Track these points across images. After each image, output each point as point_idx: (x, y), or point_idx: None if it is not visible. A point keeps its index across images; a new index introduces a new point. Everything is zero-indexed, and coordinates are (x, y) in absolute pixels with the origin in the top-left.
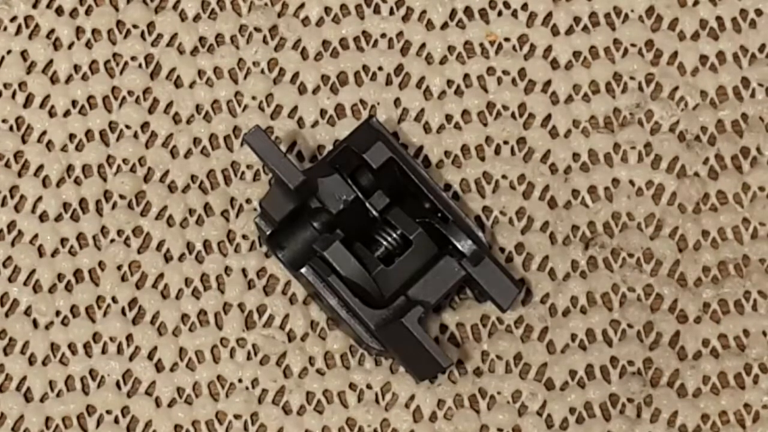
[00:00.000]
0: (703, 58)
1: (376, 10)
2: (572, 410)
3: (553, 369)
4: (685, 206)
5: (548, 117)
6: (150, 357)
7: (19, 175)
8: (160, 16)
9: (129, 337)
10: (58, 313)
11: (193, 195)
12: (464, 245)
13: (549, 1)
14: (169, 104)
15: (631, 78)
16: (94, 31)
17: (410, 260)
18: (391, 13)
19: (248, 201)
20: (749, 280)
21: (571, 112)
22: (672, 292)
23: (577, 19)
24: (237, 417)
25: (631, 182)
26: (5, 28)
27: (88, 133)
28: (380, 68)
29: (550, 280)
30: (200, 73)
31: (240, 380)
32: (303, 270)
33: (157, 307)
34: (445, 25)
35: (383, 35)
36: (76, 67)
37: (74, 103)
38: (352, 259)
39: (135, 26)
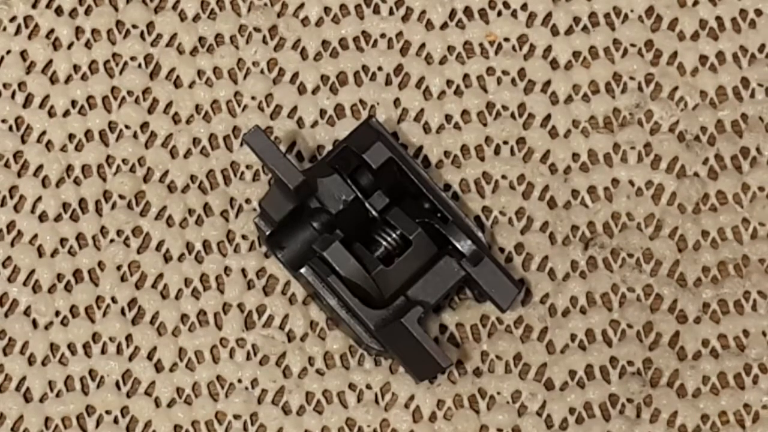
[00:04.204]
0: (703, 58)
1: (376, 10)
2: (572, 410)
3: (553, 369)
4: (684, 206)
5: (548, 117)
6: (149, 357)
7: (19, 175)
8: (160, 16)
9: (128, 338)
10: (57, 314)
11: (193, 195)
12: (464, 245)
13: (549, 1)
14: (169, 104)
15: (631, 78)
16: (93, 31)
17: (410, 260)
18: (391, 13)
19: (248, 201)
20: (749, 280)
21: (570, 112)
22: (672, 293)
23: (576, 19)
24: (236, 417)
25: (631, 182)
26: (5, 28)
27: (88, 133)
28: (380, 68)
29: (549, 280)
30: (200, 73)
31: (239, 380)
32: (302, 270)
33: (157, 307)
34: (444, 26)
35: (383, 35)
36: (76, 67)
37: (74, 103)
38: (352, 259)
39: (134, 26)
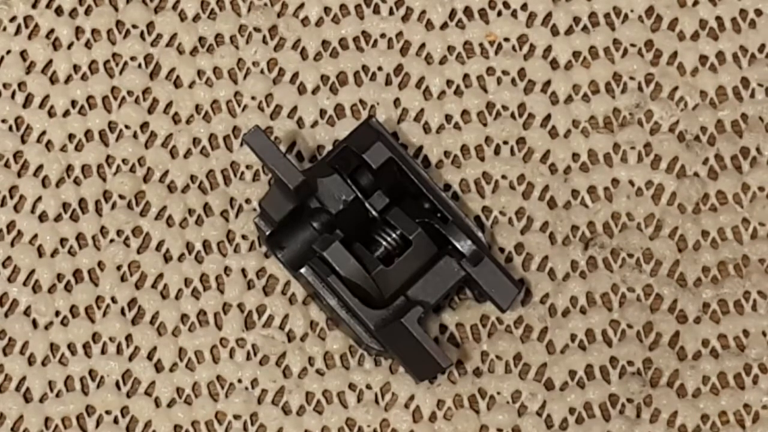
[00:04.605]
0: (703, 58)
1: (376, 10)
2: (572, 410)
3: (553, 369)
4: (684, 206)
5: (548, 117)
6: (149, 357)
7: (19, 175)
8: (160, 16)
9: (128, 338)
10: (57, 314)
11: (193, 195)
12: (464, 245)
13: (549, 1)
14: (169, 104)
15: (631, 78)
16: (93, 31)
17: (410, 260)
18: (391, 13)
19: (248, 201)
20: (749, 280)
21: (570, 112)
22: (672, 292)
23: (576, 19)
24: (236, 417)
25: (631, 182)
26: (5, 28)
27: (88, 133)
28: (380, 68)
29: (549, 280)
30: (200, 73)
31: (239, 380)
32: (302, 270)
33: (157, 307)
34: (444, 26)
35: (383, 35)
36: (76, 67)
37: (74, 103)
38: (352, 259)
39: (134, 26)
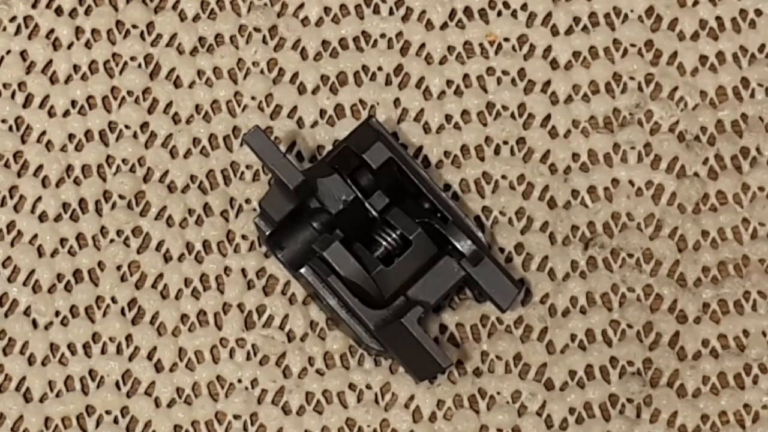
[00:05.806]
0: (703, 58)
1: (376, 11)
2: (572, 410)
3: (553, 369)
4: (684, 206)
5: (548, 117)
6: (149, 357)
7: (19, 175)
8: (160, 16)
9: (128, 338)
10: (57, 314)
11: (193, 195)
12: (464, 245)
13: (549, 1)
14: (169, 104)
15: (631, 78)
16: (93, 31)
17: (410, 260)
18: (391, 13)
19: (248, 201)
20: (749, 281)
21: (570, 112)
22: (672, 293)
23: (576, 20)
24: (236, 417)
25: (631, 182)
26: (4, 28)
27: (88, 133)
28: (380, 68)
29: (549, 280)
30: (200, 73)
31: (239, 380)
32: (302, 270)
33: (157, 307)
34: (444, 26)
35: (383, 35)
36: (76, 67)
37: (73, 103)
38: (352, 259)
39: (134, 26)
